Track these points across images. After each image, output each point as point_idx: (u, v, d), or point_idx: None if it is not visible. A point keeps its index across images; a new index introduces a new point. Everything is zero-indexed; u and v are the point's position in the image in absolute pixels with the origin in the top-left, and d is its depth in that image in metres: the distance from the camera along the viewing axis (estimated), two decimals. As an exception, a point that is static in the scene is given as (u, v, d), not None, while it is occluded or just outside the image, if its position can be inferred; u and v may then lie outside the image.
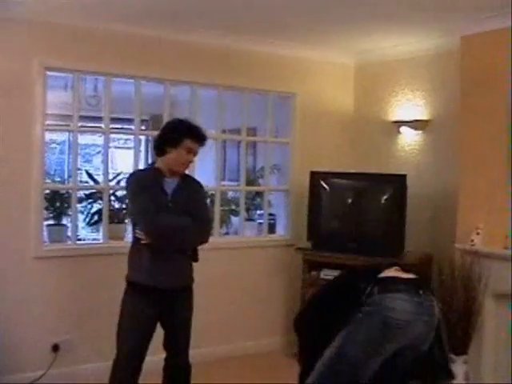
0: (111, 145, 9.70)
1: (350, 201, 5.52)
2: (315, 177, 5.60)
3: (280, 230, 6.11)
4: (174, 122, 3.89)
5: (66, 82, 5.89)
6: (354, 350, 2.82)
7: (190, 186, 3.87)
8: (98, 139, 8.67)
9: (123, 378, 3.76)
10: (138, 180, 3.83)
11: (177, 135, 3.70)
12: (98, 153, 9.24)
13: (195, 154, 3.77)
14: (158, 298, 3.69)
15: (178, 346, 3.88)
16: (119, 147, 9.58)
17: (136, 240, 3.75)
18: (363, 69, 6.16)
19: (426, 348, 2.90)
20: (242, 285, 5.69)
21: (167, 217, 3.62)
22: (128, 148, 9.21)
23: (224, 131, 5.86)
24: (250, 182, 6.09)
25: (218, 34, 5.25)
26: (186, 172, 3.91)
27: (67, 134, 8.62)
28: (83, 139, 9.46)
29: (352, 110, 6.17)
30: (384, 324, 2.79)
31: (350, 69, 6.22)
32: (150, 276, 3.66)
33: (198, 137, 3.74)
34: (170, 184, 3.74)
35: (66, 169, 9.04)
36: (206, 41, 5.34)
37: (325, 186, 5.58)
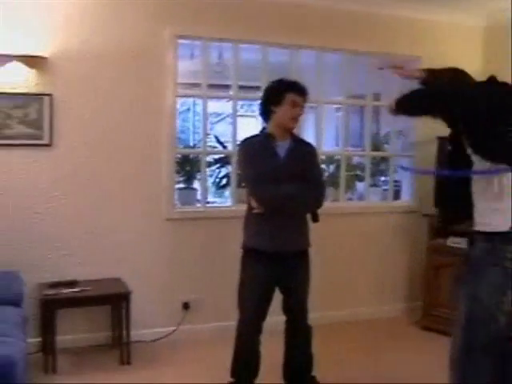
0: (237, 113, 9.93)
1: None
2: (442, 142, 5.47)
3: (405, 196, 6.04)
4: (273, 82, 3.86)
5: (192, 50, 6.04)
6: (486, 297, 2.90)
7: (303, 148, 3.87)
8: (220, 108, 8.86)
9: (246, 340, 3.89)
10: (249, 147, 3.85)
11: (278, 92, 3.71)
12: (220, 121, 9.43)
13: (301, 107, 3.74)
14: (275, 262, 3.74)
15: (296, 309, 3.93)
16: (241, 115, 9.75)
17: (249, 204, 3.83)
18: (493, 30, 5.90)
19: None
20: (365, 250, 5.70)
21: (279, 186, 3.62)
22: (249, 116, 9.35)
23: (348, 97, 5.81)
24: (375, 148, 6.04)
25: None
26: (300, 137, 3.94)
27: (190, 102, 8.95)
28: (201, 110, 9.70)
29: (480, 74, 5.93)
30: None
31: (479, 31, 5.99)
32: (267, 241, 3.72)
33: (300, 89, 3.72)
34: (282, 147, 3.75)
35: (190, 135, 9.33)
36: (331, 5, 5.30)
37: (452, 151, 5.44)
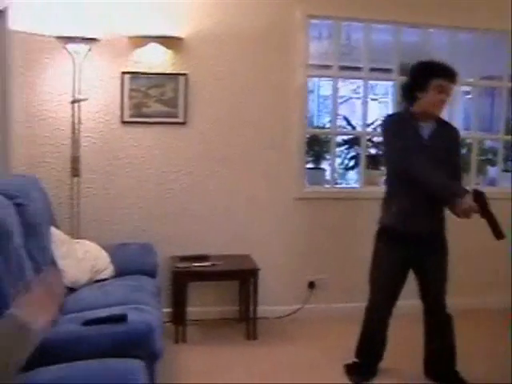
0: (357, 96, 9.83)
1: None
2: None
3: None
4: (418, 65, 3.71)
5: (320, 31, 6.00)
6: None
7: (447, 132, 3.75)
8: (343, 90, 8.79)
9: (376, 322, 3.89)
10: (396, 122, 3.80)
11: (423, 77, 3.59)
12: (344, 102, 9.37)
13: (448, 92, 3.60)
14: (411, 243, 3.68)
15: (432, 295, 3.82)
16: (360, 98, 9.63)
17: (390, 184, 3.78)
18: None
19: None
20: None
21: (424, 163, 3.52)
22: (373, 99, 9.23)
23: (479, 78, 5.60)
24: (508, 132, 5.79)
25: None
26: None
27: (314, 84, 8.92)
28: (327, 90, 9.66)
29: None
30: None
31: None
32: (404, 221, 3.66)
33: (447, 73, 3.57)
34: (425, 129, 3.66)
35: (314, 117, 9.32)
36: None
37: None
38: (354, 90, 9.45)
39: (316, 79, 8.48)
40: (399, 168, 3.64)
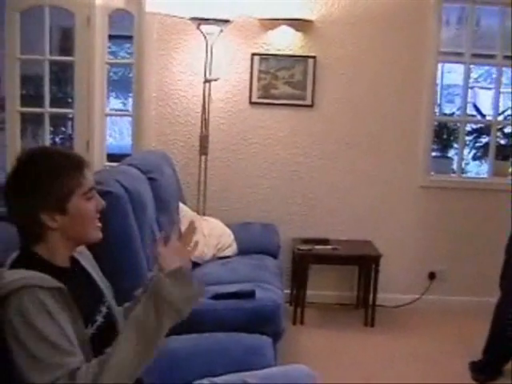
0: (479, 85, 9.53)
1: None
2: None
3: None
4: None
5: (448, 16, 5.82)
6: None
7: None
8: (459, 79, 8.55)
9: (506, 321, 3.70)
10: None
11: None
12: (458, 94, 9.11)
13: None
14: None
15: None
16: (485, 88, 9.33)
17: None
18: None
19: None
20: None
21: None
22: (486, 88, 8.92)
23: None
24: None
25: None
26: None
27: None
28: (447, 79, 9.40)
29: None
30: None
31: None
32: None
33: None
34: None
35: (437, 105, 9.10)
36: None
37: None
38: (477, 78, 9.17)
39: (439, 67, 8.26)
40: None
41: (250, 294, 3.04)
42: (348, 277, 4.94)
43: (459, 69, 5.95)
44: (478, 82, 9.33)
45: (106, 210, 1.90)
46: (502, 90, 5.20)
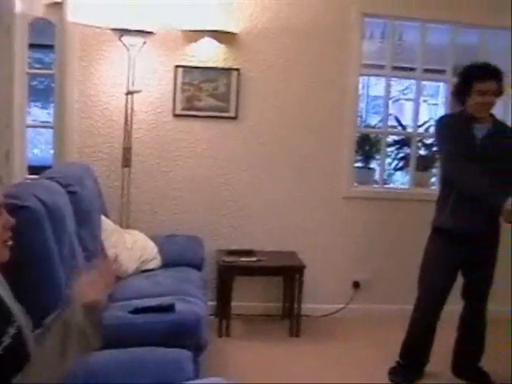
0: (405, 97, 9.75)
1: None
2: None
3: None
4: (463, 69, 3.69)
5: (372, 30, 5.94)
6: None
7: (503, 133, 3.68)
8: (392, 90, 8.72)
9: (423, 323, 3.85)
10: (448, 124, 3.76)
11: (466, 81, 3.57)
12: (392, 103, 9.28)
13: (494, 93, 3.53)
14: (461, 243, 3.64)
15: (476, 297, 3.83)
16: (407, 99, 9.53)
17: (444, 185, 3.75)
18: None
19: None
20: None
21: (469, 169, 3.49)
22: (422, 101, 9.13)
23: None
24: None
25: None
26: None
27: (363, 83, 8.85)
28: (374, 90, 9.59)
29: None
30: None
31: None
32: (455, 221, 3.63)
33: (488, 75, 3.51)
34: (480, 130, 3.60)
35: (362, 116, 9.27)
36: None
37: None
38: (403, 90, 9.37)
39: (365, 79, 8.43)
40: (446, 172, 3.69)
41: (170, 308, 3.01)
42: (273, 288, 4.95)
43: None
44: (405, 94, 9.53)
45: (22, 225, 1.86)
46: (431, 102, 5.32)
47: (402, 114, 8.01)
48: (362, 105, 9.45)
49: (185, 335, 2.97)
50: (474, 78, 3.54)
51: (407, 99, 9.55)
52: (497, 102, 3.64)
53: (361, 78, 5.09)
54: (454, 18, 4.99)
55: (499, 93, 3.58)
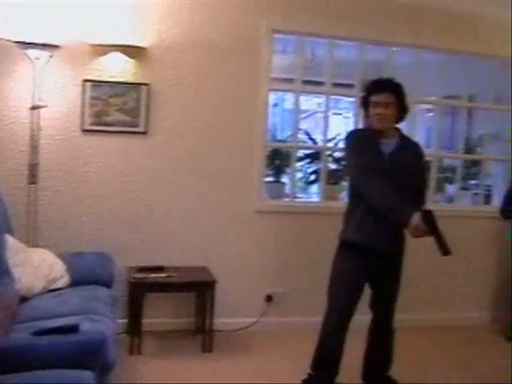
0: (322, 109, 9.90)
1: None
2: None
3: (496, 201, 5.87)
4: (367, 83, 3.86)
5: (285, 45, 6.04)
6: None
7: (409, 148, 3.80)
8: (305, 104, 8.83)
9: (333, 335, 3.88)
10: (357, 138, 3.84)
11: (365, 95, 3.75)
12: (307, 117, 9.40)
13: (387, 106, 3.64)
14: (370, 258, 3.72)
15: (383, 309, 3.95)
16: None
17: (352, 199, 3.82)
18: None
19: None
20: (452, 255, 5.56)
21: (377, 184, 3.55)
22: (336, 114, 9.28)
23: (442, 98, 5.70)
24: (467, 151, 5.90)
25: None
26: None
27: (279, 97, 8.94)
28: (292, 104, 9.68)
29: None
30: None
31: None
32: (362, 235, 3.71)
33: (379, 88, 3.67)
34: (387, 145, 3.70)
35: (277, 130, 9.33)
36: (429, 4, 5.18)
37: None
38: (319, 104, 9.50)
39: (281, 93, 8.50)
40: (354, 186, 3.74)
41: (74, 328, 2.95)
42: (185, 303, 4.92)
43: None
44: (320, 107, 9.65)
45: None
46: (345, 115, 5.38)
47: (319, 128, 8.09)
48: (278, 119, 9.53)
49: (90, 355, 2.93)
50: (370, 91, 3.70)
51: (323, 112, 9.69)
52: (395, 116, 3.73)
53: (277, 92, 5.13)
54: (361, 35, 5.13)
55: (394, 106, 3.68)
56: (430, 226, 3.39)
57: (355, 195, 3.78)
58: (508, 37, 5.43)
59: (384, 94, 3.65)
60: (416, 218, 3.41)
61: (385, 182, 3.55)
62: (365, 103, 3.75)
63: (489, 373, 4.53)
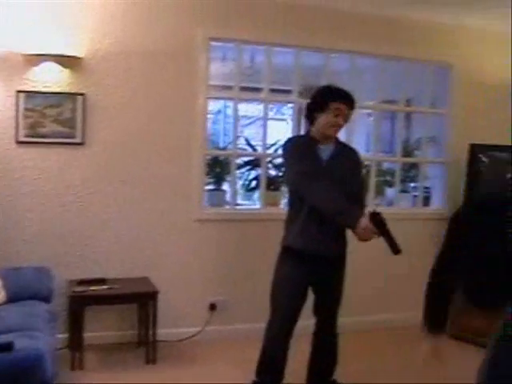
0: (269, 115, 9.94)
1: (510, 175, 5.32)
2: (474, 150, 5.45)
3: (435, 202, 5.99)
4: (321, 88, 3.86)
5: (224, 53, 6.05)
6: None
7: (346, 154, 3.83)
8: (250, 110, 8.85)
9: (276, 341, 3.87)
10: (295, 145, 3.85)
11: (323, 99, 3.69)
12: (250, 124, 9.43)
13: (345, 117, 3.70)
14: (313, 264, 3.72)
15: (326, 313, 3.96)
16: (272, 118, 9.71)
17: (293, 205, 3.82)
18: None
19: None
20: (393, 256, 5.63)
21: (320, 188, 3.56)
22: (280, 119, 9.32)
23: (380, 102, 5.78)
24: (405, 154, 5.99)
25: (376, 2, 5.16)
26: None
27: (222, 104, 8.95)
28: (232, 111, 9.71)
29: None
30: None
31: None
32: (305, 241, 3.71)
33: (345, 98, 3.68)
34: (325, 151, 3.72)
35: (220, 137, 9.33)
36: (365, 10, 5.26)
37: (484, 159, 5.42)
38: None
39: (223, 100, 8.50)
40: (297, 192, 3.72)
41: (8, 346, 2.88)
42: (128, 315, 4.85)
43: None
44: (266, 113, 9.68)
45: None
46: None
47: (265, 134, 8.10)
48: (221, 126, 9.52)
49: (27, 372, 2.88)
50: (331, 98, 3.66)
51: (272, 118, 9.73)
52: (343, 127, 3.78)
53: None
54: (298, 41, 5.18)
55: (347, 118, 3.74)
56: (379, 227, 3.42)
57: (296, 201, 3.78)
58: (444, 41, 5.57)
59: (347, 103, 3.68)
60: (364, 221, 3.43)
61: (328, 185, 3.57)
62: (320, 108, 3.70)
63: (433, 372, 4.58)
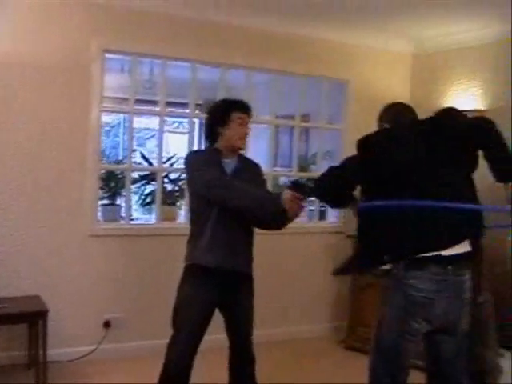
0: (165, 129, 9.87)
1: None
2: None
3: (331, 217, 6.10)
4: (217, 102, 3.81)
5: (122, 65, 5.98)
6: (387, 332, 3.00)
7: (250, 167, 3.79)
8: (151, 123, 8.79)
9: (181, 359, 3.64)
10: (200, 157, 3.77)
11: (224, 112, 3.64)
12: (152, 137, 9.35)
13: (247, 126, 3.66)
14: (220, 279, 3.59)
15: (241, 335, 3.78)
16: (172, 131, 9.68)
17: (195, 221, 3.69)
18: (420, 58, 6.05)
19: (465, 327, 3.02)
20: (291, 270, 5.71)
21: (240, 186, 3.46)
22: (180, 133, 9.29)
23: (277, 117, 5.85)
24: (302, 168, 6.08)
25: (272, 18, 5.24)
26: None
27: (121, 116, 8.84)
28: (137, 123, 9.60)
29: (408, 99, 6.07)
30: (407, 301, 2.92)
31: (407, 57, 6.13)
32: (213, 256, 3.57)
33: (244, 107, 3.67)
34: (229, 165, 3.66)
35: (120, 151, 9.19)
36: (260, 26, 5.33)
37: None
38: (171, 125, 9.50)
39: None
40: (212, 200, 3.55)
41: None
42: (18, 335, 4.65)
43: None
44: (177, 128, 9.62)
45: None
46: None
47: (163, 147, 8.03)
48: (118, 139, 9.39)
49: None
50: (232, 108, 3.62)
51: (173, 132, 9.68)
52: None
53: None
54: (194, 56, 5.18)
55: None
56: (303, 192, 3.38)
57: (200, 216, 3.65)
58: (340, 59, 5.70)
59: (247, 112, 3.66)
60: (287, 191, 3.37)
61: (241, 183, 3.50)
62: (223, 121, 3.62)
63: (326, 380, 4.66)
